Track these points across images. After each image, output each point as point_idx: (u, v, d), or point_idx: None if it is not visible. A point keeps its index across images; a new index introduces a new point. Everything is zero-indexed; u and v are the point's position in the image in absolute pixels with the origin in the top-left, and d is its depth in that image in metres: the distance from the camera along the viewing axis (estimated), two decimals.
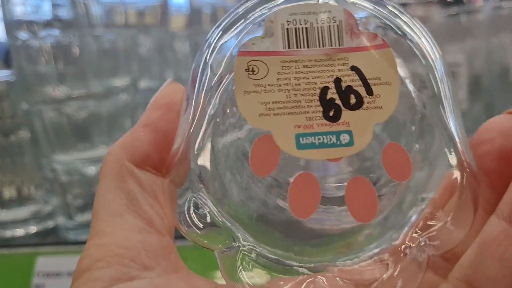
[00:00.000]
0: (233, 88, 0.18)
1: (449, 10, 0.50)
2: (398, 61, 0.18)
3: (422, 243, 0.18)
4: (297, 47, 0.18)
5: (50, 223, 0.53)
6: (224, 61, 0.18)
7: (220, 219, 0.18)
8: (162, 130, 0.19)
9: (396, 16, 0.19)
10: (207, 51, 0.19)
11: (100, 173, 0.19)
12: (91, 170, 0.47)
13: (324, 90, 0.18)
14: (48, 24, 0.65)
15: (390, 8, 0.19)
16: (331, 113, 0.18)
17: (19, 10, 0.58)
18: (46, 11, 0.68)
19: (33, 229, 0.52)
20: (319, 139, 0.18)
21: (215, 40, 0.19)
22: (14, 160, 0.52)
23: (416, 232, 0.18)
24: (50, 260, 0.42)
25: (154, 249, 0.17)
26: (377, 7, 0.19)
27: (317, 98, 0.18)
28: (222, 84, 0.18)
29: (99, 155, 0.47)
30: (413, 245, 0.18)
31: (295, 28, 0.18)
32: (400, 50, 0.19)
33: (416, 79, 0.19)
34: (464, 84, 0.46)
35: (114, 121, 0.48)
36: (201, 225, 0.18)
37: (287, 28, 0.18)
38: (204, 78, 0.18)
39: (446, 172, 0.18)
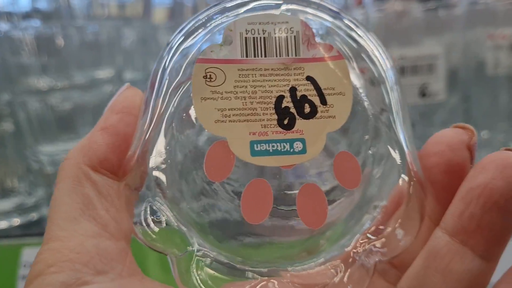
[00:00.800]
0: (191, 93, 0.18)
1: (427, 5, 0.51)
2: (352, 72, 0.19)
3: (370, 249, 0.18)
4: (254, 56, 0.19)
5: (33, 215, 0.52)
6: (184, 66, 0.19)
7: (175, 224, 0.18)
8: (120, 133, 0.18)
9: (352, 29, 0.20)
10: (167, 56, 0.19)
11: (57, 177, 0.19)
12: None
13: (280, 98, 0.18)
14: (27, 16, 0.64)
15: (347, 21, 0.20)
16: (286, 121, 0.18)
17: None
18: (25, 2, 0.67)
19: (16, 221, 0.52)
20: (273, 146, 0.18)
21: (176, 45, 0.19)
22: None
23: (366, 238, 0.19)
24: (36, 251, 0.42)
25: (108, 253, 0.17)
26: (334, 20, 0.20)
27: (273, 106, 0.18)
28: (180, 90, 0.19)
29: None
30: (362, 250, 0.19)
31: (253, 38, 0.19)
32: (354, 62, 0.19)
33: (369, 90, 0.19)
34: (442, 76, 0.47)
35: (99, 112, 0.48)
36: (156, 230, 0.18)
37: (246, 37, 0.19)
38: (163, 82, 0.18)
39: (397, 180, 0.19)
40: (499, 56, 0.50)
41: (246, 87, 0.18)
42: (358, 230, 0.19)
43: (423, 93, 0.47)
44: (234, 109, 0.18)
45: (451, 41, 0.50)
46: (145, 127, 0.18)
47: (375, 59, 0.19)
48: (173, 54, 0.19)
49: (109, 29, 0.55)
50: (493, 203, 0.16)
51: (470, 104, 0.52)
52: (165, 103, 0.18)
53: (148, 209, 0.18)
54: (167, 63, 0.19)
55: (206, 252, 0.18)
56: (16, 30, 0.53)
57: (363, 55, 0.19)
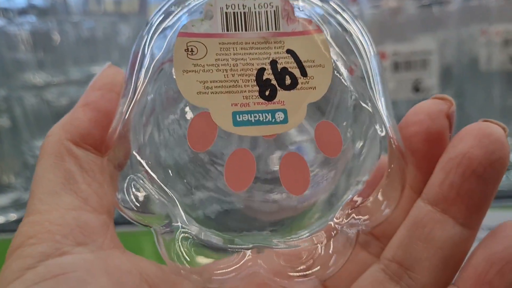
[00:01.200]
0: (172, 70, 0.18)
1: (422, 1, 0.52)
2: (333, 49, 0.19)
3: (352, 219, 0.19)
4: (235, 30, 0.19)
5: None
6: (165, 44, 0.19)
7: (158, 200, 0.18)
8: (102, 109, 0.18)
9: (337, 12, 0.20)
10: (148, 34, 0.19)
11: (40, 153, 0.18)
12: None
13: (261, 71, 0.19)
14: (23, 12, 0.65)
15: (333, 4, 0.20)
16: (267, 93, 0.18)
17: None
18: None
19: (13, 216, 0.52)
20: (255, 116, 0.18)
21: (156, 23, 0.19)
22: None
23: (348, 210, 0.19)
24: None
25: (88, 226, 0.17)
26: (322, 3, 0.20)
27: (254, 78, 0.18)
28: (161, 67, 0.19)
29: None
30: (345, 221, 0.19)
31: (234, 12, 0.19)
32: (337, 42, 0.20)
33: (349, 63, 0.20)
34: (435, 71, 0.47)
35: None
36: (139, 205, 0.18)
37: (226, 12, 0.19)
38: (144, 60, 0.18)
39: (379, 153, 0.19)
40: (493, 52, 0.51)
41: (227, 60, 0.18)
42: (340, 205, 0.19)
43: (416, 88, 0.48)
44: (216, 81, 0.18)
45: (445, 38, 0.51)
46: (127, 104, 0.18)
47: (358, 42, 0.20)
48: (153, 31, 0.19)
49: (105, 25, 0.55)
50: (472, 171, 0.17)
51: (464, 100, 0.53)
52: (146, 80, 0.18)
53: (132, 185, 0.18)
54: (148, 41, 0.19)
55: (188, 229, 0.18)
56: (12, 25, 0.53)
57: (347, 37, 0.20)
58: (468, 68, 0.52)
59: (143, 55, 0.19)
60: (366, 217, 0.19)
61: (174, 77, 0.18)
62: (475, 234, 0.18)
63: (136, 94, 0.18)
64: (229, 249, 0.18)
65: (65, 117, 0.19)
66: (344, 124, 0.19)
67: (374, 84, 0.19)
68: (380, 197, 0.19)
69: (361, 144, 0.20)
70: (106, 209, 0.18)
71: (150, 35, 0.19)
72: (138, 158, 0.18)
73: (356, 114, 0.20)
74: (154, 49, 0.19)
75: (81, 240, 0.17)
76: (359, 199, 0.19)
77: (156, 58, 0.19)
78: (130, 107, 0.18)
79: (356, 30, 0.20)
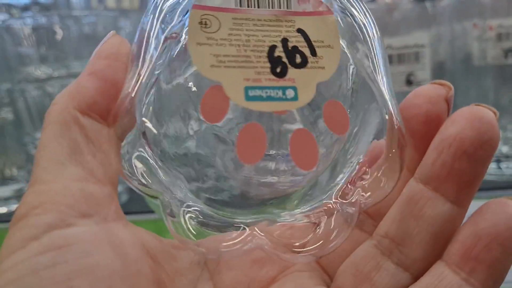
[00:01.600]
0: (182, 45, 0.18)
1: None
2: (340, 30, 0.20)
3: (354, 197, 0.19)
4: (248, 6, 0.19)
5: None
6: (175, 18, 0.19)
7: (162, 176, 0.19)
8: (109, 79, 0.18)
9: None
10: (157, 7, 0.19)
11: (44, 121, 0.18)
12: None
13: (272, 48, 0.19)
14: (27, 8, 0.66)
15: None
16: (278, 70, 0.19)
17: None
18: None
19: (15, 207, 0.53)
20: (266, 92, 0.18)
21: None
22: None
23: (348, 189, 0.20)
24: None
25: (93, 198, 0.17)
26: None
27: (266, 55, 0.19)
28: (171, 41, 0.19)
29: None
30: (345, 200, 0.19)
31: None
32: (342, 25, 0.20)
33: (354, 44, 0.20)
34: (428, 65, 0.48)
35: None
36: (145, 176, 0.18)
37: None
38: (153, 34, 0.18)
39: (375, 134, 0.20)
40: (486, 47, 0.51)
41: (240, 35, 0.19)
42: (337, 184, 0.20)
43: (409, 81, 0.48)
44: (229, 56, 0.18)
45: (438, 33, 0.51)
46: (136, 75, 0.18)
47: (362, 25, 0.20)
48: (162, 3, 0.19)
49: (106, 20, 0.56)
50: (463, 151, 0.17)
51: (457, 94, 0.53)
52: (156, 54, 0.18)
53: (137, 155, 0.18)
54: (156, 14, 0.19)
55: (193, 204, 0.19)
56: (15, 20, 0.54)
57: (351, 20, 0.20)
58: (462, 63, 0.52)
59: (152, 28, 0.18)
60: (367, 194, 0.19)
61: (188, 48, 0.18)
62: (465, 212, 0.19)
63: (145, 66, 0.18)
64: (234, 224, 0.19)
65: (71, 85, 0.18)
66: (345, 102, 0.20)
67: (377, 66, 0.20)
68: (380, 176, 0.19)
69: (359, 123, 0.20)
70: (110, 180, 0.18)
71: (159, 8, 0.19)
72: (144, 132, 0.18)
73: (357, 94, 0.20)
74: (163, 22, 0.19)
75: (86, 212, 0.17)
76: (359, 176, 0.20)
77: (166, 31, 0.19)
78: (140, 80, 0.18)
79: (360, 12, 0.20)
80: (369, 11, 0.20)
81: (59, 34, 0.52)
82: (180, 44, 0.19)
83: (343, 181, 0.20)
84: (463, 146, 0.17)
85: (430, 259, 0.18)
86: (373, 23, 0.20)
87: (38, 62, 0.51)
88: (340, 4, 0.20)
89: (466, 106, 0.18)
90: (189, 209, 0.18)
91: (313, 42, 0.19)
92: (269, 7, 0.19)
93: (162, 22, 0.19)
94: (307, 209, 0.20)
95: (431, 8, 0.50)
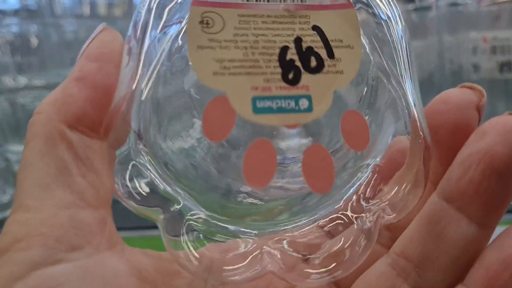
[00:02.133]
0: (181, 38, 0.16)
1: (406, 7, 0.50)
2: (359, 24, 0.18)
3: (374, 213, 0.17)
4: (257, 0, 0.17)
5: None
6: (172, 7, 0.17)
7: (162, 186, 0.17)
8: (100, 85, 0.16)
9: None
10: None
11: (27, 134, 0.16)
12: None
13: (284, 50, 0.17)
14: (13, 14, 0.65)
15: None
16: (291, 76, 0.16)
17: None
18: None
19: None
20: (277, 103, 0.16)
21: None
22: None
23: (366, 201, 0.18)
24: None
25: (84, 226, 0.16)
26: None
27: (276, 58, 0.16)
28: (168, 35, 0.17)
29: None
30: (365, 215, 0.17)
31: None
32: (362, 15, 0.18)
33: (375, 41, 0.18)
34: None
35: None
36: (143, 192, 0.16)
37: None
38: (149, 26, 0.16)
39: (393, 137, 0.18)
40: (480, 60, 0.49)
41: (247, 35, 0.16)
42: (350, 188, 0.18)
43: None
44: (234, 60, 0.16)
45: (426, 44, 0.49)
46: (131, 77, 0.16)
47: (384, 14, 0.18)
48: None
49: (88, 27, 0.55)
50: (493, 169, 0.16)
51: None
52: (152, 50, 0.16)
53: (133, 171, 0.16)
54: (152, 3, 0.16)
55: (196, 214, 0.17)
56: None
57: (370, 10, 0.18)
58: (452, 76, 0.50)
59: (147, 19, 0.16)
60: (388, 211, 0.17)
61: (187, 53, 0.16)
62: (490, 235, 0.17)
63: (140, 65, 0.16)
64: (236, 236, 0.17)
65: (56, 92, 0.16)
66: (363, 109, 0.18)
67: (401, 67, 0.17)
68: (402, 190, 0.17)
69: (376, 126, 0.18)
70: (103, 202, 0.16)
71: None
72: (140, 140, 0.17)
73: (377, 97, 0.18)
74: (161, 12, 0.16)
75: (76, 244, 0.15)
76: (379, 189, 0.18)
77: (162, 22, 0.16)
78: (135, 82, 0.16)
79: (386, 4, 0.18)
80: (395, 3, 0.18)
81: (36, 41, 0.51)
82: (182, 31, 0.17)
83: (360, 188, 0.18)
84: (494, 164, 0.16)
85: (449, 283, 0.17)
86: (400, 18, 0.18)
87: (14, 71, 0.50)
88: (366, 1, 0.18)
89: (498, 116, 0.16)
90: (192, 221, 0.17)
91: (330, 42, 0.17)
92: (280, 1, 0.17)
93: (160, 7, 0.16)
94: (314, 219, 0.18)
95: (419, 19, 0.48)
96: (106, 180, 0.16)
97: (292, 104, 0.16)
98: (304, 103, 0.16)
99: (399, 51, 0.18)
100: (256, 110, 0.16)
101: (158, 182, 0.17)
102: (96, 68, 0.16)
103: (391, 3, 0.18)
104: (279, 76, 0.16)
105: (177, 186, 0.17)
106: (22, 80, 0.49)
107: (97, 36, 0.17)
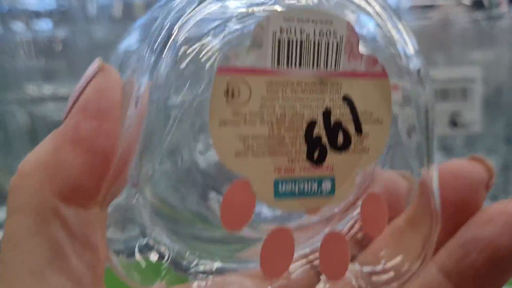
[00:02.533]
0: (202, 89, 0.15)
1: (475, 15, 0.45)
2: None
3: (370, 277, 0.17)
4: (287, 66, 0.15)
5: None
6: (197, 47, 0.15)
7: (170, 252, 0.16)
8: (99, 150, 0.14)
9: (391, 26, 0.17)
10: (172, 24, 0.14)
11: (11, 201, 0.14)
12: None
13: (311, 125, 0.16)
14: (47, 15, 0.63)
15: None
16: (316, 155, 0.16)
17: None
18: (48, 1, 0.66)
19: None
20: (299, 186, 0.16)
21: (188, 10, 0.14)
22: None
23: (362, 266, 0.18)
24: None
25: None
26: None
27: (303, 134, 0.16)
28: (186, 79, 0.15)
29: None
30: (358, 278, 0.17)
31: (289, 40, 0.15)
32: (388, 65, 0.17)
33: (403, 104, 0.17)
34: (477, 103, 0.41)
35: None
36: (143, 261, 0.15)
37: (279, 39, 0.15)
38: (162, 66, 0.14)
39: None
40: None
41: (274, 107, 0.15)
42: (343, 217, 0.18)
43: (453, 123, 0.42)
44: (259, 138, 0.15)
45: (496, 56, 0.44)
46: (133, 134, 0.14)
47: (410, 64, 0.17)
48: (181, 22, 0.14)
49: (117, 32, 0.52)
50: (496, 259, 0.16)
51: None
52: (162, 95, 0.15)
53: (141, 246, 0.15)
54: (174, 35, 0.14)
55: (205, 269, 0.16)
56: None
57: (399, 61, 0.17)
58: None
59: (160, 56, 0.14)
60: (386, 274, 0.17)
61: (209, 124, 0.15)
62: None
63: (146, 114, 0.14)
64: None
65: (46, 150, 0.14)
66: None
67: (424, 110, 0.17)
68: (400, 255, 0.17)
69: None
70: (100, 280, 0.15)
71: (177, 27, 0.14)
72: (150, 217, 0.16)
73: (395, 151, 0.17)
74: (181, 49, 0.14)
75: None
76: (376, 257, 0.18)
77: (182, 63, 0.15)
78: (137, 147, 0.14)
79: (399, 35, 0.17)
80: (410, 32, 0.17)
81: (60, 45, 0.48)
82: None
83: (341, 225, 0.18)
84: (497, 255, 0.16)
85: None
86: (416, 49, 0.17)
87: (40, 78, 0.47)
88: (392, 48, 0.17)
89: (504, 202, 0.17)
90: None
91: (360, 115, 0.16)
92: (313, 67, 0.15)
93: (180, 41, 0.14)
94: (301, 252, 0.17)
95: (488, 28, 0.43)
96: (103, 253, 0.15)
97: (315, 187, 0.16)
98: (327, 186, 0.16)
99: (423, 120, 0.17)
100: (277, 195, 0.15)
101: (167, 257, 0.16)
102: (95, 128, 0.14)
103: (403, 28, 0.17)
104: (304, 155, 0.16)
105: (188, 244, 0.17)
106: (47, 90, 0.47)
107: (93, 80, 0.14)
